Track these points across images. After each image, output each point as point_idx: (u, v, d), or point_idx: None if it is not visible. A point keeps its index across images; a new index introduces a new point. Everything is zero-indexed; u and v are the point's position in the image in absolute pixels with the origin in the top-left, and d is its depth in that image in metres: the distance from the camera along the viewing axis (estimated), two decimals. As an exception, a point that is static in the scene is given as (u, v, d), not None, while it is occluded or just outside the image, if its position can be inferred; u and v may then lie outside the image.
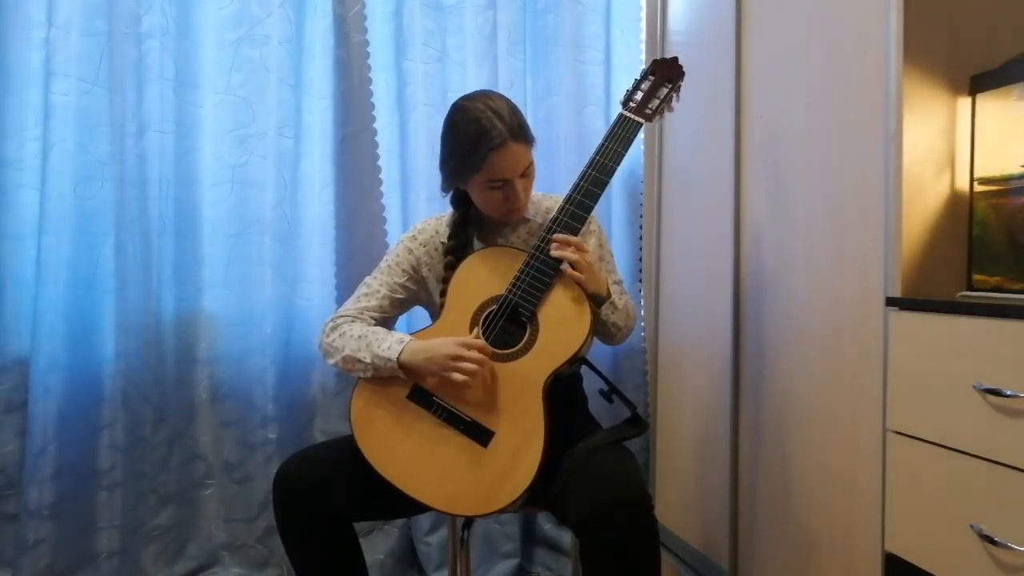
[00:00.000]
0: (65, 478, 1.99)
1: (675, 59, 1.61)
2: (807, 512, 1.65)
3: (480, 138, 1.47)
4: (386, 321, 1.62)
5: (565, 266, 1.47)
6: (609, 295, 1.56)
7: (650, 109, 1.57)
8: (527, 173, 1.54)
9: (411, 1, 2.24)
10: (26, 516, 1.95)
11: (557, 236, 1.48)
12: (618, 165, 1.52)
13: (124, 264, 2.05)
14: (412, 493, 1.43)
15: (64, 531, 1.98)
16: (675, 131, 1.67)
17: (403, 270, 1.62)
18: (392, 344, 1.48)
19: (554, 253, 1.47)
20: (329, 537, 1.50)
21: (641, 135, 1.92)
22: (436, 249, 1.64)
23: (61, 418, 1.98)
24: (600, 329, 1.59)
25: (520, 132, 1.51)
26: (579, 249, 1.47)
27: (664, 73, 1.59)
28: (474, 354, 1.42)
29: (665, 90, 1.59)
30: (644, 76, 1.60)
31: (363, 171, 2.21)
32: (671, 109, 1.60)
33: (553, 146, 2.32)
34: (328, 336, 1.57)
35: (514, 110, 1.52)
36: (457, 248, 1.61)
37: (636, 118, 1.55)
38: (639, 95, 1.58)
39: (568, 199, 1.51)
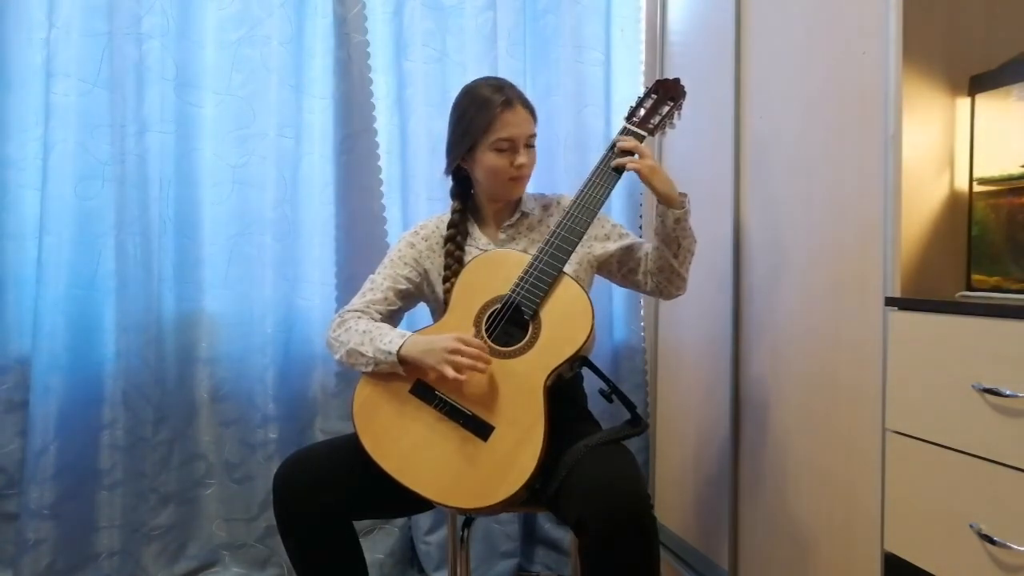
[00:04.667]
0: (66, 478, 1.99)
1: (677, 79, 1.64)
2: (807, 511, 1.65)
3: (490, 99, 1.56)
4: (392, 314, 1.64)
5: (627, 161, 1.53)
6: (683, 206, 1.56)
7: (652, 124, 1.61)
8: (531, 143, 1.60)
9: (411, 2, 2.25)
10: (27, 516, 1.96)
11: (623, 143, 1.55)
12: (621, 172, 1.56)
13: (125, 264, 2.05)
14: (411, 485, 1.43)
15: (65, 531, 1.99)
16: (675, 131, 1.67)
17: (405, 263, 1.64)
18: (393, 338, 1.49)
19: (621, 147, 1.55)
20: (329, 536, 1.50)
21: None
22: (438, 243, 1.66)
23: (62, 418, 1.99)
24: (670, 264, 1.59)
25: (526, 101, 1.59)
26: (639, 151, 1.54)
27: (667, 92, 1.63)
28: (471, 350, 1.43)
29: (667, 108, 1.62)
30: (647, 94, 1.64)
31: (363, 171, 2.21)
32: (672, 126, 1.64)
33: (553, 146, 2.31)
34: (334, 331, 1.58)
35: (519, 88, 1.61)
36: (457, 235, 1.62)
37: (639, 131, 1.59)
38: (642, 111, 1.62)
39: (580, 194, 1.54)
